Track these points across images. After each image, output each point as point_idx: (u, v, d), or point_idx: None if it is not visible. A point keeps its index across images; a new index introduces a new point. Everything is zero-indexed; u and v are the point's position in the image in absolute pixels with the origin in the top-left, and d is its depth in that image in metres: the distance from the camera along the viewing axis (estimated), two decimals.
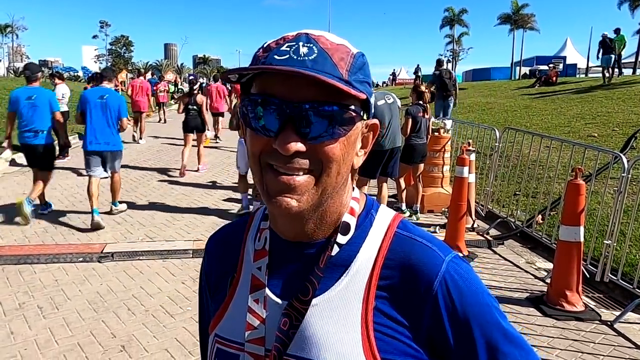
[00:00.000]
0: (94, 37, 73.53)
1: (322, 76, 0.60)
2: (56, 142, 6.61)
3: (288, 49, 0.64)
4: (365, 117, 0.69)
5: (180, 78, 41.51)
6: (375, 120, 0.74)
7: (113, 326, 3.51)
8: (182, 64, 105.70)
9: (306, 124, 0.63)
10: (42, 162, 5.95)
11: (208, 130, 9.35)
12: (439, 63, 13.95)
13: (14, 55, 65.59)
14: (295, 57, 0.63)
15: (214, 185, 8.10)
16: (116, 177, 6.16)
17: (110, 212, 6.22)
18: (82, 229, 5.65)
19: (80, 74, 53.38)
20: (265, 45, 0.67)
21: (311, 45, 0.64)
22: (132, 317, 3.66)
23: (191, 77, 10.00)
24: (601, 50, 16.86)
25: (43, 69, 11.19)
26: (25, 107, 5.81)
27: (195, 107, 8.67)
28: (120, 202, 6.47)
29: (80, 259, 4.76)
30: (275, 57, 0.64)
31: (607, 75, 16.89)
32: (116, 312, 3.72)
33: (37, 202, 6.05)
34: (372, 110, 0.72)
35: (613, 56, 16.57)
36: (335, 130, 0.64)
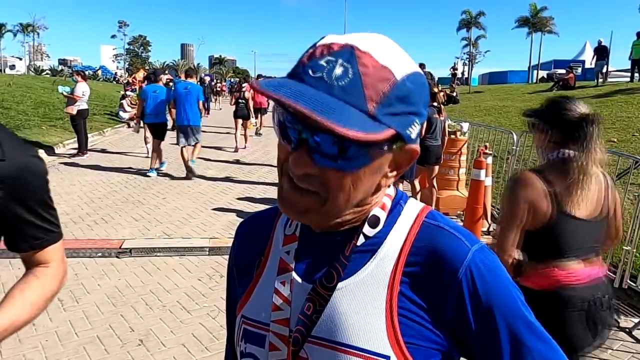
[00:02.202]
0: (113, 36, 74.62)
1: (331, 124, 0.56)
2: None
3: (325, 64, 0.61)
4: (396, 146, 0.66)
5: (197, 78, 41.96)
6: (415, 147, 0.68)
7: (131, 320, 3.57)
8: (198, 64, 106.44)
9: (317, 151, 0.63)
10: (158, 134, 8.75)
11: (253, 118, 13.06)
12: (421, 66, 14.85)
13: (34, 54, 66.80)
14: (326, 79, 0.60)
15: (230, 185, 8.16)
16: (198, 145, 8.60)
17: (189, 170, 8.38)
18: (101, 225, 5.76)
19: (99, 73, 53.87)
20: (311, 50, 0.64)
21: (349, 66, 0.61)
22: (149, 312, 3.72)
23: (235, 79, 12.52)
24: (595, 57, 17.32)
25: (76, 69, 14.10)
26: (150, 97, 8.67)
27: (243, 100, 11.63)
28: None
29: (99, 254, 4.85)
30: (310, 72, 0.62)
31: (600, 79, 17.27)
32: (134, 307, 3.78)
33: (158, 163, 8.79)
34: (414, 137, 0.67)
35: (605, 62, 17.26)
36: (346, 163, 0.63)
